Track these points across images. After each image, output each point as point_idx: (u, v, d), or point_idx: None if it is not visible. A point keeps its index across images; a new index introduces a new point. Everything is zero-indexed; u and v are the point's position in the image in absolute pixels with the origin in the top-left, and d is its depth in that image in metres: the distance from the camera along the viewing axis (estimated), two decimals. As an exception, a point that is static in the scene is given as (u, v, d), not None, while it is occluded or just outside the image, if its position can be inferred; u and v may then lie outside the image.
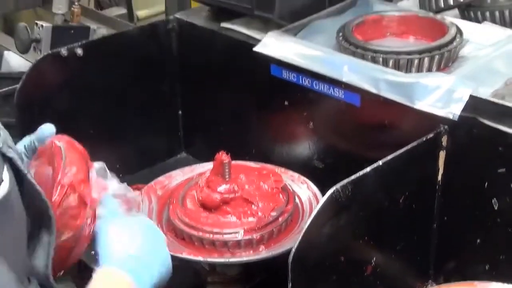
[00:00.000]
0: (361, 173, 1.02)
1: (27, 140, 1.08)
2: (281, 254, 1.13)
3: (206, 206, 1.22)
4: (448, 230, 1.19)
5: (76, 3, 2.17)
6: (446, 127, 1.12)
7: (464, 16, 1.40)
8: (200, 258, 1.18)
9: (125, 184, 1.11)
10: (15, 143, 0.99)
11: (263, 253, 1.18)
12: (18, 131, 1.15)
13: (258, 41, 1.37)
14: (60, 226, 0.93)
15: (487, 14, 1.36)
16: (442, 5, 1.39)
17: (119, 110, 1.56)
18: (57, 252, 0.92)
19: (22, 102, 1.39)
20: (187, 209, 1.24)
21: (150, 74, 1.60)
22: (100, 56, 1.50)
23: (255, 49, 1.36)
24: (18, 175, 0.88)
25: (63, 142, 1.01)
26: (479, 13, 1.37)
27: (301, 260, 0.96)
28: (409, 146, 1.09)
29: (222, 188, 1.23)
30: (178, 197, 1.27)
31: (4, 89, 1.74)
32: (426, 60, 1.22)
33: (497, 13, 1.35)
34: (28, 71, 1.43)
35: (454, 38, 1.25)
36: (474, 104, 1.10)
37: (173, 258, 1.18)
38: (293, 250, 0.95)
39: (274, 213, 1.21)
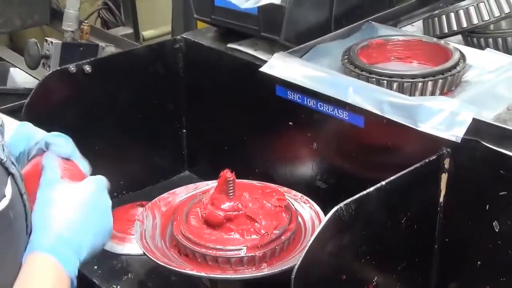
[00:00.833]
0: (364, 192, 1.03)
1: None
2: (283, 271, 1.13)
3: (210, 223, 1.23)
4: (450, 251, 1.19)
5: (85, 22, 2.19)
6: (448, 149, 1.13)
7: (468, 42, 1.42)
8: (203, 274, 1.18)
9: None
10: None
11: (265, 270, 1.18)
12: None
13: (264, 62, 1.39)
14: None
15: (490, 40, 1.38)
16: (446, 31, 1.41)
17: (125, 127, 1.57)
18: None
19: (30, 117, 1.39)
20: (190, 226, 1.24)
21: (156, 92, 1.61)
22: (107, 74, 1.52)
23: (261, 69, 1.37)
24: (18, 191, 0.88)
25: None
26: (482, 39, 1.39)
27: (303, 277, 0.97)
28: (411, 168, 1.10)
29: (226, 205, 1.23)
30: (182, 214, 1.28)
31: (10, 105, 1.75)
32: (430, 84, 1.24)
33: (500, 40, 1.37)
34: (37, 86, 1.45)
35: (457, 63, 1.26)
36: (477, 127, 1.10)
37: (176, 273, 1.20)
38: (296, 266, 0.96)
39: (277, 231, 1.22)
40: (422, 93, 1.24)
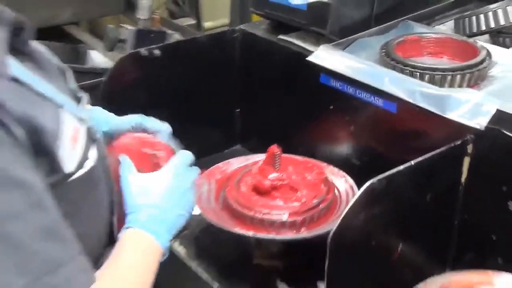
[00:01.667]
0: (395, 170, 1.03)
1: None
2: (319, 236, 1.14)
3: (258, 190, 1.25)
4: (468, 227, 1.19)
5: (156, 11, 2.21)
6: (472, 136, 1.12)
7: (494, 41, 1.40)
8: (250, 233, 1.20)
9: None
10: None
11: (304, 233, 1.19)
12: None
13: (311, 52, 1.39)
14: None
15: (515, 40, 1.37)
16: (475, 30, 1.39)
17: (187, 105, 1.59)
18: None
19: (106, 93, 1.43)
20: (241, 192, 1.26)
21: (215, 75, 1.62)
22: (173, 58, 1.54)
23: (308, 59, 1.37)
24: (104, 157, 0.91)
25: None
26: (508, 39, 1.37)
27: (338, 240, 0.97)
28: (438, 150, 1.10)
29: (272, 176, 1.25)
30: (233, 181, 1.30)
31: (88, 82, 1.79)
32: (458, 77, 1.23)
33: (524, 40, 1.36)
34: (113, 66, 1.47)
35: (484, 60, 1.25)
36: (499, 117, 1.10)
37: (226, 232, 1.22)
38: (333, 231, 0.96)
39: (315, 200, 1.23)
40: (451, 85, 1.24)
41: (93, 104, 1.39)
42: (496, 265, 1.14)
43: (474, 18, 1.39)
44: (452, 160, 1.14)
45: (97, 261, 0.86)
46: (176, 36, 2.05)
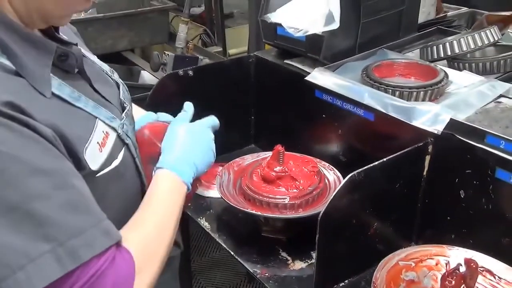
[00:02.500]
0: (371, 165, 1.03)
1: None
2: (314, 215, 1.13)
3: (266, 180, 1.24)
4: (428, 209, 1.17)
5: (191, 41, 2.21)
6: (432, 139, 1.10)
7: (451, 65, 1.37)
8: (259, 213, 1.20)
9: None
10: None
11: (301, 213, 1.19)
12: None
13: (308, 73, 1.37)
14: None
15: (466, 65, 1.33)
16: (436, 57, 1.36)
17: (213, 113, 1.55)
18: None
19: (151, 104, 1.42)
20: (253, 181, 1.25)
21: (235, 90, 1.61)
22: (203, 77, 1.53)
23: (306, 78, 1.36)
24: (133, 156, 0.89)
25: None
26: (461, 64, 1.34)
27: (326, 219, 0.97)
28: (405, 150, 1.09)
29: (277, 168, 1.24)
30: (247, 173, 1.29)
31: (138, 95, 1.79)
32: (422, 93, 1.20)
33: (473, 65, 1.32)
34: (157, 83, 1.47)
35: (442, 80, 1.23)
36: (453, 124, 1.08)
37: (240, 212, 1.22)
38: (322, 212, 0.97)
39: (310, 188, 1.22)
40: (416, 99, 1.21)
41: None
42: (450, 240, 1.12)
43: (435, 47, 1.36)
44: (416, 157, 1.13)
45: None
46: (206, 60, 2.05)
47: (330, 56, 1.40)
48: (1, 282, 0.61)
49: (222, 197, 1.24)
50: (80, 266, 0.65)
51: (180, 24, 2.10)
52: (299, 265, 1.18)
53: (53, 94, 0.75)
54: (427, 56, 1.39)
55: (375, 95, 1.21)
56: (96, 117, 0.81)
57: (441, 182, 1.13)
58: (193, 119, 1.24)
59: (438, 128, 1.08)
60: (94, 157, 0.76)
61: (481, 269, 0.97)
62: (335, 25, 1.31)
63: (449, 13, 1.85)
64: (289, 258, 1.20)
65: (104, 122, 0.82)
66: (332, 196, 0.97)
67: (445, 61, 1.39)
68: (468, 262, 0.85)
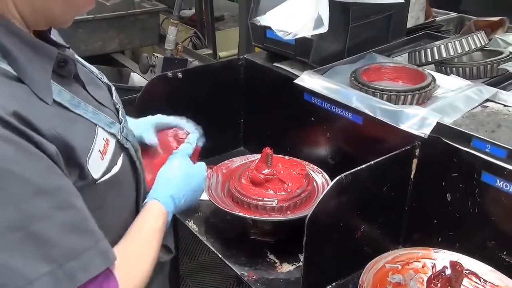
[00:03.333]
0: (358, 168, 1.03)
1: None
2: (301, 217, 1.13)
3: (254, 182, 1.24)
4: (415, 212, 1.18)
5: (180, 43, 2.20)
6: (419, 142, 1.11)
7: (438, 69, 1.38)
8: (247, 215, 1.19)
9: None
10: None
11: (289, 216, 1.18)
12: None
13: (297, 76, 1.37)
14: None
15: (454, 69, 1.34)
16: (423, 61, 1.38)
17: (202, 115, 1.55)
18: None
19: (140, 105, 1.42)
20: (241, 183, 1.25)
21: (224, 93, 1.61)
22: (193, 79, 1.52)
23: (295, 81, 1.36)
24: (132, 160, 0.88)
25: None
26: (448, 68, 1.35)
27: (313, 222, 0.97)
28: (392, 153, 1.09)
29: (265, 171, 1.24)
30: (236, 175, 1.29)
31: (128, 97, 1.78)
32: (409, 97, 1.21)
33: (460, 69, 1.33)
34: (145, 85, 1.47)
35: (429, 84, 1.24)
36: (439, 128, 1.09)
37: (229, 214, 1.21)
38: (309, 215, 0.96)
39: (298, 191, 1.22)
40: (404, 103, 1.22)
41: (130, 113, 1.39)
42: (437, 243, 1.13)
43: (423, 51, 1.37)
44: (403, 161, 1.13)
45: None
46: (195, 63, 2.04)
47: (319, 60, 1.40)
48: None
49: (210, 200, 1.24)
50: None
51: (170, 26, 2.10)
52: (286, 267, 1.18)
53: (53, 101, 0.73)
54: (415, 60, 1.40)
55: (363, 99, 1.21)
56: (96, 124, 0.79)
57: (428, 185, 1.13)
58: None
59: (425, 131, 1.09)
60: (96, 166, 0.76)
61: (467, 271, 0.98)
62: (324, 28, 1.32)
63: (438, 18, 1.87)
64: (277, 260, 1.20)
65: (104, 129, 0.80)
66: (319, 199, 0.97)
67: (433, 66, 1.40)
68: (454, 264, 0.86)
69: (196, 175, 1.03)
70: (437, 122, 1.09)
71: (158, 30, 2.49)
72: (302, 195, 1.21)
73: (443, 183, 1.10)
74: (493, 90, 1.21)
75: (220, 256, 1.21)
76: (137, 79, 2.27)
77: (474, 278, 0.98)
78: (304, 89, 1.35)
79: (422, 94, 1.21)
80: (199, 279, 2.23)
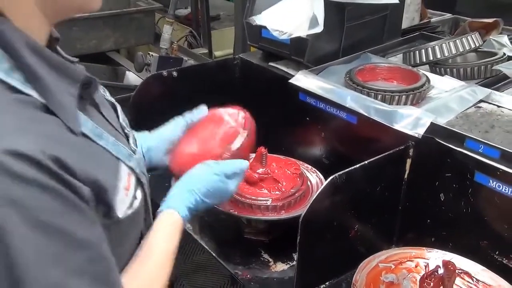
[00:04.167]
0: (352, 167, 1.03)
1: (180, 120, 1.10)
2: (295, 217, 1.13)
3: (249, 182, 1.24)
4: (409, 212, 1.18)
5: (175, 42, 2.20)
6: (413, 142, 1.11)
7: (432, 70, 1.39)
8: (241, 214, 1.20)
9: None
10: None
11: (283, 215, 1.19)
12: (132, 125, 1.18)
13: (292, 76, 1.38)
14: None
15: (448, 70, 1.35)
16: (418, 61, 1.38)
17: None
18: None
19: (135, 104, 1.42)
20: (236, 183, 1.25)
21: (219, 93, 1.59)
22: (187, 78, 1.52)
23: (290, 81, 1.37)
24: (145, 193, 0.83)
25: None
26: (442, 69, 1.36)
27: (307, 221, 0.97)
28: (386, 153, 1.10)
29: (260, 170, 1.24)
30: (230, 174, 1.29)
31: (123, 95, 1.77)
32: (403, 97, 1.22)
33: (454, 70, 1.34)
34: (140, 84, 1.47)
35: (423, 84, 1.24)
36: (433, 128, 1.09)
37: (223, 213, 1.21)
38: (303, 214, 0.97)
39: (293, 190, 1.22)
40: (398, 103, 1.23)
41: (125, 112, 1.39)
42: (430, 243, 1.13)
43: (417, 52, 1.38)
44: (397, 160, 1.13)
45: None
46: (190, 62, 2.04)
47: (314, 59, 1.41)
48: None
49: (204, 199, 1.23)
50: None
51: (165, 25, 2.09)
52: (280, 267, 1.18)
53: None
54: (409, 61, 1.41)
55: (357, 99, 1.22)
56: (119, 158, 0.73)
57: (421, 185, 1.14)
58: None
59: (419, 131, 1.09)
60: (122, 204, 0.72)
61: (459, 271, 0.98)
62: (319, 28, 1.32)
63: (433, 19, 1.88)
64: (270, 259, 1.20)
65: (125, 163, 0.75)
66: (313, 198, 0.98)
67: (427, 66, 1.40)
68: (446, 264, 0.87)
69: (224, 193, 0.98)
70: (431, 122, 1.09)
71: (154, 29, 2.49)
72: (296, 194, 1.22)
73: (437, 183, 1.10)
74: (487, 91, 1.22)
75: (214, 255, 1.21)
76: (132, 78, 2.27)
77: (466, 278, 0.98)
78: (299, 88, 1.35)
79: (416, 95, 1.22)
80: (194, 278, 2.23)
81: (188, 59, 2.05)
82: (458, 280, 0.97)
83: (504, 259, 1.02)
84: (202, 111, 1.12)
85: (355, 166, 1.03)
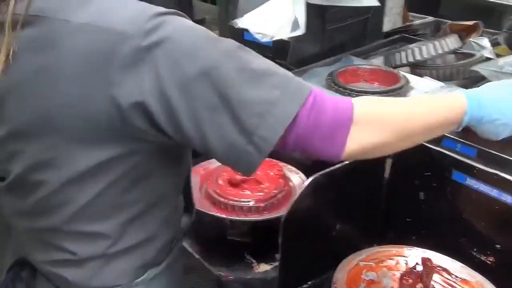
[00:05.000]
0: (333, 167, 1.04)
1: None
2: (278, 217, 1.14)
3: (231, 183, 1.25)
4: (390, 211, 1.19)
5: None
6: (392, 142, 1.13)
7: (413, 71, 1.42)
8: (224, 216, 1.20)
9: None
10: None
11: (266, 216, 1.20)
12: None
13: (275, 78, 1.39)
14: None
15: (427, 71, 1.37)
16: (399, 63, 1.41)
17: None
18: None
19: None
20: (218, 185, 1.25)
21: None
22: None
23: (272, 83, 1.38)
24: None
25: None
26: (422, 70, 1.39)
27: (288, 221, 0.98)
28: (367, 153, 1.11)
29: (242, 172, 1.25)
30: (213, 176, 1.29)
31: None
32: (384, 98, 1.24)
33: (434, 71, 1.36)
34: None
35: (403, 85, 1.27)
36: (412, 128, 1.11)
37: (206, 215, 1.22)
38: (284, 215, 0.98)
39: (275, 191, 1.23)
40: (378, 104, 1.24)
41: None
42: (411, 241, 1.14)
43: (398, 54, 1.41)
44: (378, 161, 1.13)
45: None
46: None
47: (297, 62, 1.43)
48: (255, 130, 0.67)
49: (187, 201, 1.24)
50: (307, 96, 0.69)
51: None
52: (264, 267, 1.19)
53: None
54: (390, 63, 1.43)
55: (338, 100, 1.23)
56: None
57: (402, 184, 1.15)
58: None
59: (398, 131, 1.11)
60: None
61: (439, 268, 1.00)
62: (301, 31, 1.34)
63: (415, 22, 1.91)
64: (254, 260, 1.21)
65: None
66: (294, 199, 0.99)
67: (407, 68, 1.43)
68: (425, 261, 0.88)
69: None
70: (410, 123, 1.10)
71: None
72: (279, 195, 1.23)
73: (416, 182, 1.12)
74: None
75: (197, 257, 1.22)
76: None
77: (445, 275, 1.00)
78: (281, 91, 1.36)
79: (395, 96, 1.24)
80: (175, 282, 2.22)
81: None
82: (437, 277, 0.99)
83: (482, 255, 1.04)
84: None
85: (336, 166, 1.04)
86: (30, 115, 0.70)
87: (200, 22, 3.08)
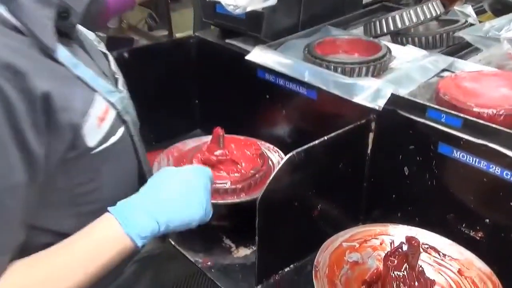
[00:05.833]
0: (311, 144, 0.99)
1: None
2: (255, 199, 1.08)
3: (206, 164, 1.17)
4: (374, 188, 1.15)
5: (124, 21, 2.11)
6: (374, 115, 1.07)
7: (394, 40, 1.35)
8: (198, 199, 1.14)
9: None
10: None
11: (243, 198, 1.14)
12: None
13: (250, 52, 1.32)
14: None
15: (410, 39, 1.31)
16: (379, 32, 1.34)
17: (154, 98, 1.50)
18: None
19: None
20: (193, 166, 1.20)
21: (176, 73, 1.54)
22: (140, 59, 1.45)
23: (247, 57, 1.31)
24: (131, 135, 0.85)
25: None
26: (404, 39, 1.32)
27: (265, 202, 0.93)
28: (347, 128, 1.06)
29: (218, 152, 1.19)
30: (188, 158, 1.23)
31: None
32: (364, 69, 1.17)
33: (416, 39, 1.30)
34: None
35: (384, 55, 1.20)
36: (394, 100, 1.05)
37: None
38: (260, 194, 0.92)
39: (252, 171, 1.18)
40: (359, 75, 1.18)
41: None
42: (397, 218, 1.10)
43: (378, 22, 1.34)
44: (359, 135, 1.10)
45: None
46: (143, 42, 1.96)
47: (272, 34, 1.35)
48: None
49: (160, 185, 1.17)
50: None
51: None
52: (243, 252, 1.14)
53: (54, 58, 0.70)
54: (370, 32, 1.36)
55: (316, 73, 1.17)
56: (95, 90, 0.75)
57: (385, 159, 1.10)
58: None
59: (379, 103, 1.05)
60: (92, 133, 0.74)
61: (426, 246, 0.95)
62: (273, 1, 1.26)
63: (396, -9, 1.84)
64: (232, 245, 1.16)
65: (103, 96, 0.77)
66: (269, 179, 0.93)
67: (389, 36, 1.36)
68: (410, 240, 0.83)
69: (197, 185, 0.87)
70: (392, 94, 1.05)
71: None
72: (256, 175, 1.17)
73: (400, 156, 1.07)
74: (450, 59, 1.18)
75: (173, 243, 1.16)
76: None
77: (433, 253, 0.95)
78: (257, 65, 1.29)
79: (377, 66, 1.18)
80: (157, 270, 2.17)
81: (138, 39, 1.97)
82: (425, 256, 0.94)
83: (471, 231, 0.99)
84: None
85: (314, 143, 0.99)
86: None
87: (175, 0, 2.99)
